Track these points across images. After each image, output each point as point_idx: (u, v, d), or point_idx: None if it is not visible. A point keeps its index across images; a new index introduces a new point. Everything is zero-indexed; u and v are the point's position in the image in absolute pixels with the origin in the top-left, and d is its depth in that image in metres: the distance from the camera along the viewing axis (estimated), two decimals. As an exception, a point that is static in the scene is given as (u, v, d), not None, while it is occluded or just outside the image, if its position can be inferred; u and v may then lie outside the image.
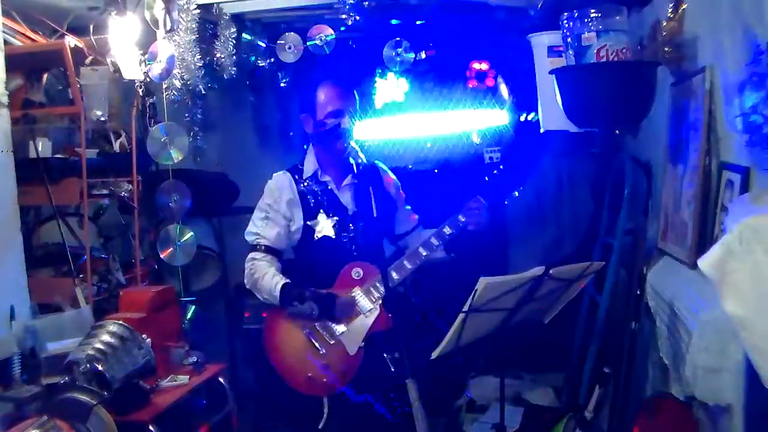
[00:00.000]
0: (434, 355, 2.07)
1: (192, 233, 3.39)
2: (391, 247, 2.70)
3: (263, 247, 2.50)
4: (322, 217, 2.48)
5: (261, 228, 2.52)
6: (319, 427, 2.44)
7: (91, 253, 3.18)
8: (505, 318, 2.18)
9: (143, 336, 2.60)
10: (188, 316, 3.52)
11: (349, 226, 2.49)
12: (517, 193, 2.45)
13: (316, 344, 2.42)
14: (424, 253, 2.42)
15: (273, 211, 2.51)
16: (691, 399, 1.91)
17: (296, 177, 2.55)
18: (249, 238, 2.55)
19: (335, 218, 2.48)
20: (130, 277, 3.43)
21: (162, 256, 3.36)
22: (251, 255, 2.52)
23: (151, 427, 2.46)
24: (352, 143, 2.42)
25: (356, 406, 2.44)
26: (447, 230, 2.42)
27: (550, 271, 2.07)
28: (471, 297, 1.97)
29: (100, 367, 2.38)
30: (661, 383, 2.34)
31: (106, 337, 2.50)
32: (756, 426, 1.59)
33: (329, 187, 2.53)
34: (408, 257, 2.44)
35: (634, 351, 2.59)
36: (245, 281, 2.53)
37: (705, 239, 1.92)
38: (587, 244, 3.64)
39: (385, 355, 2.37)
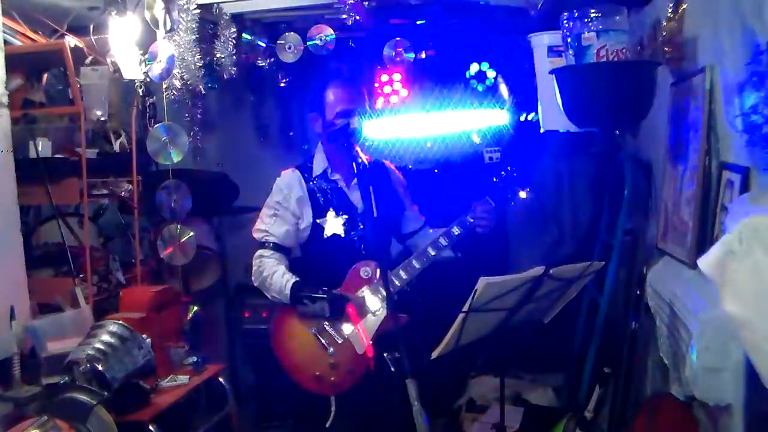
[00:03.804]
0: (434, 355, 2.07)
1: (192, 233, 3.39)
2: (399, 246, 2.70)
3: (272, 245, 2.51)
4: (331, 215, 2.49)
5: (269, 225, 2.52)
6: (327, 425, 2.45)
7: (91, 253, 3.18)
8: (505, 318, 2.18)
9: (143, 336, 2.60)
10: (188, 316, 3.52)
11: (359, 225, 2.49)
12: (524, 194, 2.45)
13: (325, 343, 2.43)
14: (433, 253, 2.42)
15: (282, 209, 2.51)
16: (691, 399, 1.91)
17: (305, 175, 2.55)
18: (257, 235, 2.55)
19: (344, 216, 2.49)
20: (130, 277, 3.43)
21: (162, 256, 3.36)
22: (259, 252, 2.52)
23: (151, 427, 2.47)
24: (359, 143, 2.44)
25: (363, 404, 2.44)
26: (456, 230, 2.43)
27: (550, 271, 2.07)
28: (471, 297, 1.97)
29: (100, 367, 2.38)
30: (661, 383, 2.34)
31: (106, 337, 2.50)
32: (756, 426, 1.59)
33: (339, 186, 2.54)
34: (416, 257, 2.44)
35: (634, 351, 2.59)
36: (252, 278, 2.53)
37: (705, 239, 1.92)
38: (587, 244, 3.63)
39: (385, 355, 2.37)
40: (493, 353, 3.23)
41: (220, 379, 3.04)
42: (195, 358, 2.94)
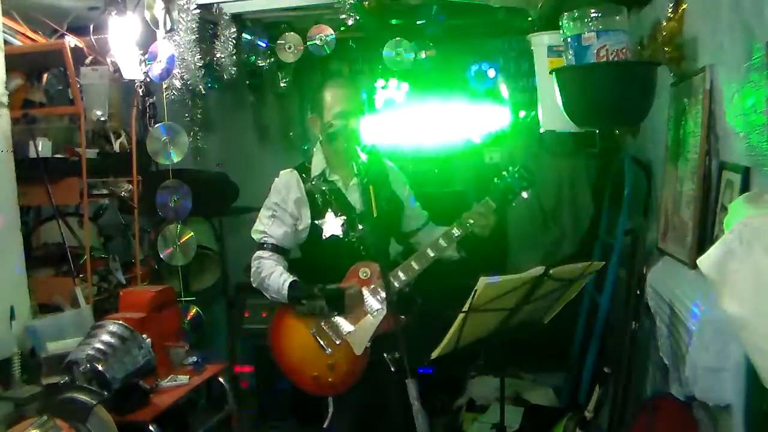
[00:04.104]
0: (434, 355, 2.07)
1: (192, 233, 3.39)
2: (399, 246, 2.70)
3: (270, 246, 2.50)
4: (329, 216, 2.48)
5: (268, 226, 2.51)
6: (324, 426, 2.44)
7: (91, 253, 3.18)
8: (505, 318, 2.18)
9: (143, 336, 2.60)
10: (188, 316, 3.53)
11: (357, 226, 2.49)
12: (526, 195, 2.44)
13: (323, 344, 2.42)
14: (432, 255, 2.41)
15: (280, 210, 2.51)
16: (691, 399, 1.91)
17: (303, 175, 2.54)
18: (255, 236, 2.54)
19: (343, 217, 2.48)
20: (130, 277, 3.43)
21: (162, 256, 3.36)
22: (258, 253, 2.52)
23: (151, 427, 2.46)
24: (358, 143, 2.43)
25: (360, 405, 2.44)
26: (455, 231, 2.42)
27: (550, 271, 2.07)
28: (471, 297, 1.97)
29: (100, 367, 2.38)
30: (661, 383, 2.34)
31: (106, 337, 2.50)
32: (756, 426, 1.59)
33: (337, 187, 2.53)
34: (415, 258, 2.43)
35: (634, 351, 2.59)
36: (251, 279, 2.53)
37: (705, 239, 1.92)
38: (587, 244, 3.63)
39: (385, 355, 2.37)
40: (493, 353, 3.23)
41: (220, 379, 3.04)
42: (195, 358, 2.94)
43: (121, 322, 2.59)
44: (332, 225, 2.47)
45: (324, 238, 2.48)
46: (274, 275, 2.46)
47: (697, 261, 1.43)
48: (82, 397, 2.26)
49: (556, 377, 3.55)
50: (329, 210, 2.49)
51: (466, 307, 1.99)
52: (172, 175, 3.34)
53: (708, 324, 1.69)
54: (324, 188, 2.52)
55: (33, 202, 3.21)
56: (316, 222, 2.49)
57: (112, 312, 2.95)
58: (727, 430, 1.76)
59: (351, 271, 2.46)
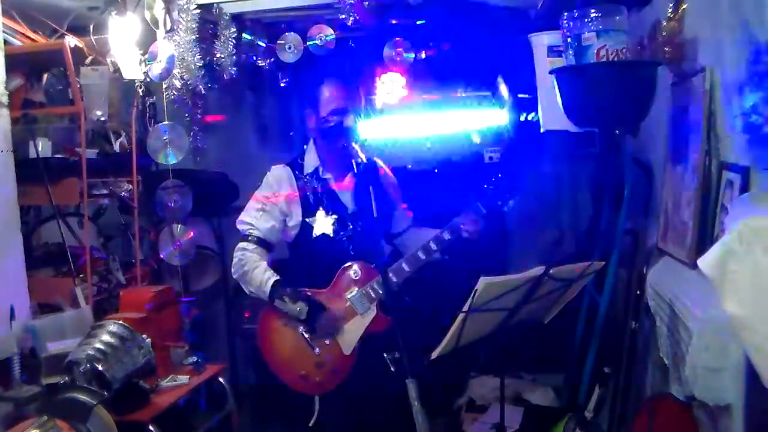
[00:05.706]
0: (434, 355, 2.07)
1: (192, 233, 3.39)
2: (389, 246, 2.70)
3: (255, 239, 2.48)
4: (320, 214, 2.47)
5: (255, 219, 2.50)
6: (309, 425, 2.44)
7: (91, 253, 3.18)
8: (505, 318, 2.19)
9: (143, 336, 2.60)
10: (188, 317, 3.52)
11: (348, 225, 2.48)
12: (512, 203, 2.43)
13: (311, 343, 2.42)
14: (423, 257, 2.41)
15: (270, 205, 2.49)
16: (691, 399, 1.91)
17: (296, 172, 2.53)
18: (241, 226, 2.52)
19: (334, 216, 2.47)
20: (130, 277, 3.43)
21: (162, 256, 3.36)
22: (242, 245, 2.50)
23: (151, 427, 2.47)
24: (353, 142, 2.42)
25: (347, 404, 2.44)
26: (446, 236, 2.41)
27: (550, 271, 2.07)
28: (471, 297, 1.97)
29: (100, 367, 2.38)
30: (661, 383, 2.34)
31: (106, 337, 2.50)
32: (756, 426, 1.59)
33: (330, 185, 2.52)
34: (406, 260, 2.43)
35: (634, 351, 2.59)
36: (232, 270, 2.50)
37: (705, 239, 1.92)
38: (587, 244, 3.63)
39: (385, 355, 2.36)
40: (493, 353, 3.23)
41: (220, 379, 3.04)
42: (195, 358, 2.94)
43: (121, 322, 2.59)
44: (323, 224, 2.46)
45: (314, 236, 2.47)
46: (257, 270, 2.44)
47: (697, 261, 1.43)
48: (82, 397, 2.26)
49: (556, 377, 3.55)
50: (320, 208, 2.48)
51: (466, 307, 1.99)
52: (172, 175, 3.33)
53: (708, 324, 1.69)
54: (316, 186, 2.51)
55: (33, 202, 3.21)
56: (307, 220, 2.48)
57: (112, 312, 2.95)
58: (727, 430, 1.76)
59: (341, 270, 2.46)
